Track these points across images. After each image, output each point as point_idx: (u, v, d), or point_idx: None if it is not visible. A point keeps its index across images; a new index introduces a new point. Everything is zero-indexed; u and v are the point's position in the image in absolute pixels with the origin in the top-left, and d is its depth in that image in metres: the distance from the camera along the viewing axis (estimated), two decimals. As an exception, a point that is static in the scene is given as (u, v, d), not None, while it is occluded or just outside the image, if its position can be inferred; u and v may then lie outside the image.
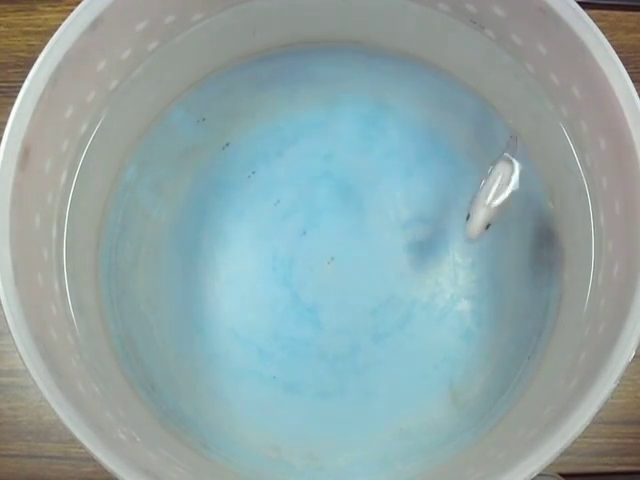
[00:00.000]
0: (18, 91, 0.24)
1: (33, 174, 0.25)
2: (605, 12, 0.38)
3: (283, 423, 0.32)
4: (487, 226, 0.27)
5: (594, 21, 0.24)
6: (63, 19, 0.24)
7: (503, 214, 0.28)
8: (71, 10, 0.24)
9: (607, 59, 0.24)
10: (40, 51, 0.24)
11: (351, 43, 0.33)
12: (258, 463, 0.31)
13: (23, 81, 0.24)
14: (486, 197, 0.27)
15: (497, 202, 0.27)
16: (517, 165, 0.28)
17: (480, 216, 0.27)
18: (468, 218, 0.27)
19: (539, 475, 0.23)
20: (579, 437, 0.23)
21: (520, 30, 0.27)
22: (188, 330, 0.32)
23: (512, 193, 0.28)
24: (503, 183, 0.27)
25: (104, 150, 0.30)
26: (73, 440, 0.23)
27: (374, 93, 0.33)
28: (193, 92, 0.33)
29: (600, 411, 0.23)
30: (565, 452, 0.23)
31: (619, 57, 0.24)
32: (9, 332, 0.23)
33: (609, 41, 0.24)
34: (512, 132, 0.30)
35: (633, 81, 0.24)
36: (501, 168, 0.27)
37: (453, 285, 0.32)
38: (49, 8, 0.38)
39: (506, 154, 0.28)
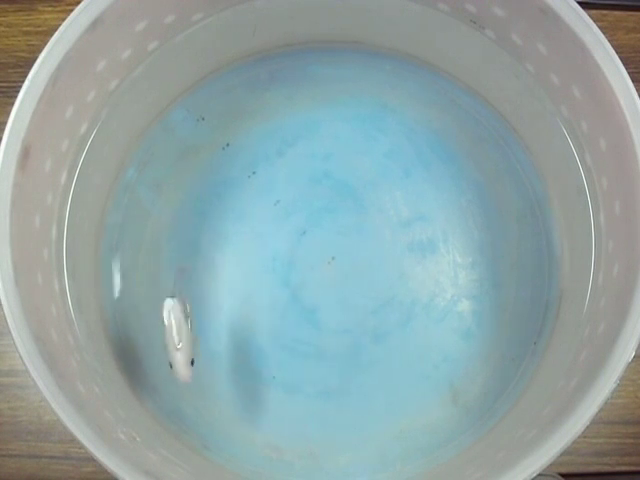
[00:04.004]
0: (18, 91, 0.24)
1: (33, 174, 0.25)
2: (605, 12, 0.38)
3: (283, 423, 0.32)
4: (192, 361, 0.28)
5: (594, 21, 0.24)
6: (63, 19, 0.24)
7: (195, 344, 0.28)
8: (71, 10, 0.24)
9: (607, 59, 0.24)
10: (40, 51, 0.24)
11: (351, 43, 0.33)
12: (258, 463, 0.31)
13: (23, 81, 0.24)
14: (174, 342, 0.27)
15: (184, 339, 0.28)
16: (184, 298, 0.28)
17: (180, 360, 0.28)
18: (171, 367, 0.28)
19: (539, 475, 0.23)
20: (579, 437, 0.23)
21: (520, 30, 0.27)
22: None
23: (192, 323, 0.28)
24: (180, 319, 0.28)
25: (104, 150, 0.30)
26: (73, 440, 0.23)
27: (374, 93, 0.33)
28: (193, 92, 0.33)
29: (600, 411, 0.23)
30: (565, 452, 0.23)
31: (619, 57, 0.24)
32: (9, 332, 0.23)
33: (609, 41, 0.24)
34: (180, 266, 0.31)
35: (633, 81, 0.24)
36: (169, 308, 0.28)
37: (453, 285, 0.32)
38: (49, 8, 0.38)
39: (173, 293, 0.28)
